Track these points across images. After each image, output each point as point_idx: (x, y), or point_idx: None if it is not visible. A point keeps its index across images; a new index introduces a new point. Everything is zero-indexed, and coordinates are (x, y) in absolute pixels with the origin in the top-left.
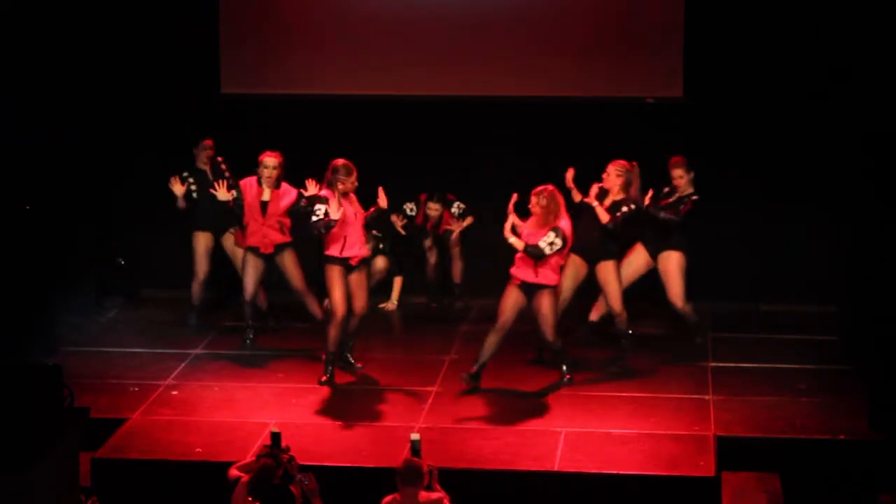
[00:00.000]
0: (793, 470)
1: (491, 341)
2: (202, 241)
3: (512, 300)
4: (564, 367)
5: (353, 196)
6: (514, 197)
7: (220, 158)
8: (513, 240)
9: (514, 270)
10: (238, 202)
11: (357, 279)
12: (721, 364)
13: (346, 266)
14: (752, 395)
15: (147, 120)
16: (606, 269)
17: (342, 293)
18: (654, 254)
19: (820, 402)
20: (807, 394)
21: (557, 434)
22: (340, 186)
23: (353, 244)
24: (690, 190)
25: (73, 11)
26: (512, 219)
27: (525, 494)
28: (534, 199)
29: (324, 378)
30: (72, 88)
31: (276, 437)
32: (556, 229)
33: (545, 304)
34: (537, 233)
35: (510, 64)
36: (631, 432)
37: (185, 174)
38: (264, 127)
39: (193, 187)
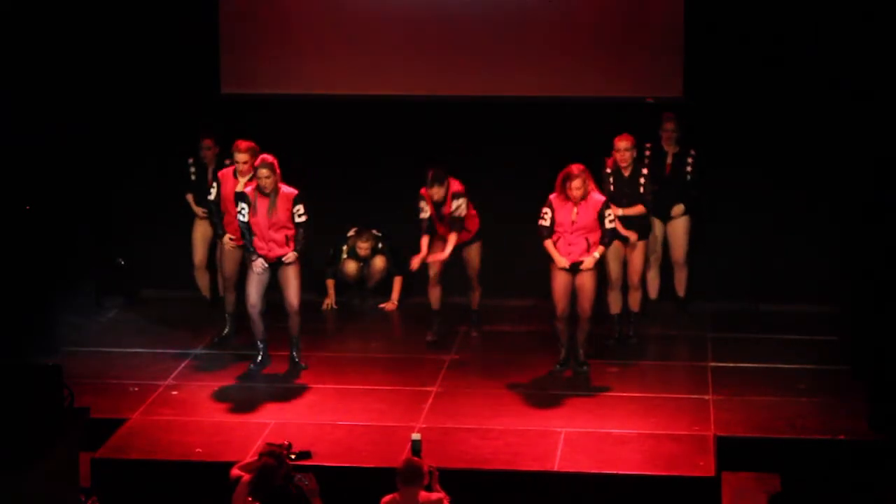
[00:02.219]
0: (793, 470)
1: (561, 329)
2: (199, 229)
3: (564, 284)
4: (582, 352)
5: (282, 196)
6: None
7: (227, 161)
8: (590, 261)
9: (561, 254)
10: (216, 201)
11: (281, 277)
12: (721, 364)
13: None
14: (752, 395)
15: (147, 120)
16: (636, 247)
17: (252, 286)
18: (663, 218)
19: (820, 402)
20: (807, 394)
21: (557, 434)
22: (260, 182)
23: (258, 242)
24: (678, 147)
25: (73, 11)
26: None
27: (525, 494)
28: (577, 182)
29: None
30: (72, 88)
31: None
32: (607, 202)
33: (593, 278)
34: (586, 210)
35: (510, 64)
36: (631, 432)
37: (190, 161)
38: (264, 127)
39: (193, 170)
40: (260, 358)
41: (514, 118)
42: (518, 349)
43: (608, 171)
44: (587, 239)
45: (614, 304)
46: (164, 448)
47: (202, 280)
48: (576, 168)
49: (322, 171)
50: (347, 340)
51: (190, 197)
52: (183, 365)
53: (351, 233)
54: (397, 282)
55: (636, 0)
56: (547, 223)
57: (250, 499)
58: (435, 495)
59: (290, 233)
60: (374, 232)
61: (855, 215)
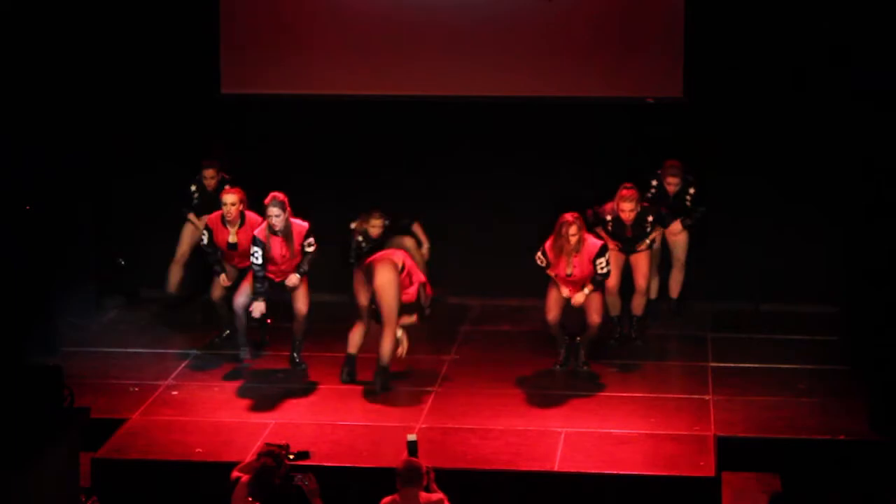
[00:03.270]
0: (793, 470)
1: (556, 334)
2: (190, 228)
3: (559, 296)
4: (583, 351)
5: (295, 232)
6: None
7: (226, 177)
8: (580, 296)
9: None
10: (209, 245)
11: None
12: (721, 364)
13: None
14: (752, 395)
15: (147, 120)
16: (640, 258)
17: (243, 294)
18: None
19: (820, 402)
20: (807, 394)
21: (557, 434)
22: (270, 221)
23: (277, 277)
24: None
25: (74, 11)
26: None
27: (525, 494)
28: (572, 229)
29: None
30: (72, 88)
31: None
32: (602, 250)
33: (598, 292)
34: (581, 261)
35: (510, 64)
36: (631, 432)
37: (193, 188)
38: (264, 127)
39: (196, 195)
40: (247, 353)
41: (515, 118)
42: (518, 349)
43: (608, 217)
44: (584, 284)
45: (613, 306)
46: (164, 448)
47: (175, 276)
48: (570, 216)
49: (322, 171)
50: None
51: (192, 215)
52: (183, 365)
53: (354, 224)
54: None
55: (636, 0)
56: (544, 264)
57: (250, 499)
58: (435, 496)
59: (299, 259)
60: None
61: (855, 215)
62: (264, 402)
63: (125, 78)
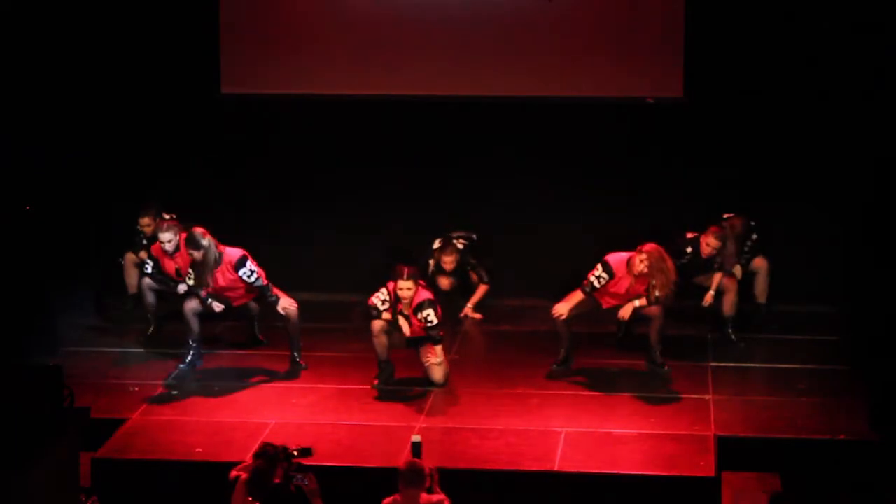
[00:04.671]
0: (793, 470)
1: (561, 328)
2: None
3: (578, 303)
4: (657, 352)
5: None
6: None
7: (166, 215)
8: (628, 308)
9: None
10: (157, 273)
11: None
12: (721, 364)
13: None
14: (752, 395)
15: (147, 119)
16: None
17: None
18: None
19: (820, 402)
20: (807, 394)
21: (557, 434)
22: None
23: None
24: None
25: (74, 10)
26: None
27: (525, 494)
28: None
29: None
30: (72, 88)
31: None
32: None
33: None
34: (639, 284)
35: (510, 64)
36: (631, 432)
37: (141, 235)
38: (264, 127)
39: (143, 241)
40: (190, 357)
41: (514, 118)
42: (518, 349)
43: (688, 249)
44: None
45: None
46: (164, 448)
47: (131, 278)
48: (657, 250)
49: (322, 171)
50: (348, 340)
51: (129, 255)
52: (182, 365)
53: (436, 245)
54: (481, 289)
55: (636, 0)
56: (598, 285)
57: (250, 499)
58: (436, 497)
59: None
60: (458, 244)
61: (855, 215)
62: (264, 402)
63: (125, 78)
